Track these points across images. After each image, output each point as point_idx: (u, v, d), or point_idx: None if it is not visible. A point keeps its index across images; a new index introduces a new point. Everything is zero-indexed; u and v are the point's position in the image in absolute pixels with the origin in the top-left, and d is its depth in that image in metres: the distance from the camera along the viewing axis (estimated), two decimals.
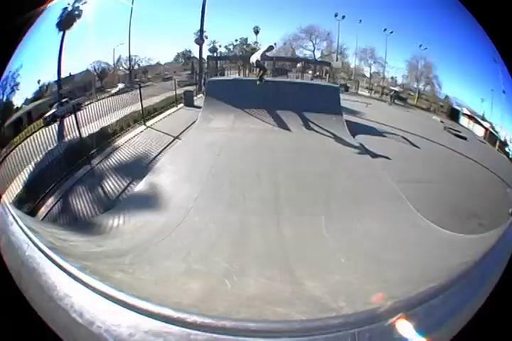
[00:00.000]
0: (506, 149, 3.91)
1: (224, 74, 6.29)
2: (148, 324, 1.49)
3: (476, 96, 4.22)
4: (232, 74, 6.23)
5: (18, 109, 3.02)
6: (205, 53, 5.98)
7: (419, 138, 5.27)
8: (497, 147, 4.11)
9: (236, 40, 5.84)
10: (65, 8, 3.18)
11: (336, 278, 2.49)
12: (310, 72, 6.24)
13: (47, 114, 3.68)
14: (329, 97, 5.59)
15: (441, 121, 5.24)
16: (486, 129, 4.32)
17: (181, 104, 6.16)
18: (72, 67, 3.76)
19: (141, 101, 5.27)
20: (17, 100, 2.96)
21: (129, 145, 4.71)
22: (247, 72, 6.21)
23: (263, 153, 4.65)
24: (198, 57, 6.06)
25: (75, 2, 3.25)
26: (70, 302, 1.61)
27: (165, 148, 4.79)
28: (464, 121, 4.79)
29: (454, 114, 4.95)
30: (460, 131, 4.89)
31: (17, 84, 2.73)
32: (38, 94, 3.31)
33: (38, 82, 3.25)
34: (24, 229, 2.11)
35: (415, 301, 1.59)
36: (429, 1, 4.52)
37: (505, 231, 2.10)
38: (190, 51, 6.00)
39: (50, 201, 3.42)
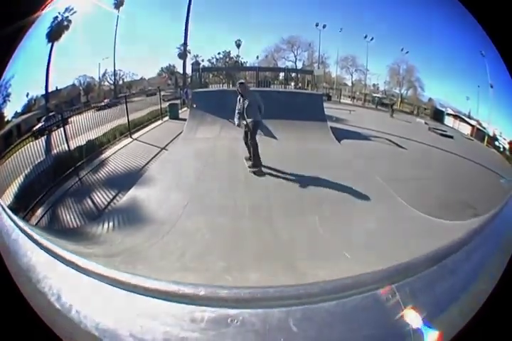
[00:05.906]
0: (496, 143, 4.02)
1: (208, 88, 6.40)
2: (139, 304, 1.19)
3: (462, 95, 4.30)
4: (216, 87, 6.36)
5: (8, 121, 3.04)
6: (189, 67, 6.10)
7: (405, 140, 5.41)
8: (486, 142, 4.23)
9: (219, 54, 5.97)
10: (56, 18, 3.23)
11: (341, 267, 2.48)
12: (292, 83, 6.41)
13: (35, 128, 3.71)
14: (313, 104, 5.77)
15: (426, 123, 5.40)
16: (473, 126, 4.47)
17: (166, 117, 6.24)
18: (59, 80, 3.81)
19: (127, 114, 5.34)
20: (8, 112, 2.98)
21: (116, 157, 4.75)
22: (230, 85, 6.33)
23: None
24: (181, 71, 6.17)
25: (64, 12, 3.30)
26: (48, 284, 1.40)
27: (152, 158, 4.84)
28: (449, 120, 4.94)
29: (438, 115, 5.11)
30: (446, 131, 5.05)
31: (9, 95, 2.76)
32: (27, 108, 3.34)
33: (27, 95, 3.28)
34: (10, 214, 2.04)
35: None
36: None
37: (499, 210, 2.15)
38: (174, 66, 6.10)
39: (40, 211, 3.41)
